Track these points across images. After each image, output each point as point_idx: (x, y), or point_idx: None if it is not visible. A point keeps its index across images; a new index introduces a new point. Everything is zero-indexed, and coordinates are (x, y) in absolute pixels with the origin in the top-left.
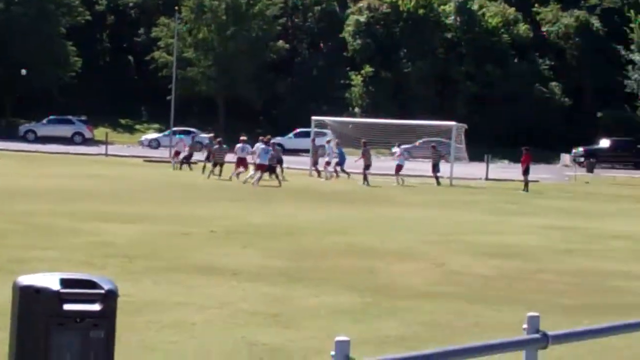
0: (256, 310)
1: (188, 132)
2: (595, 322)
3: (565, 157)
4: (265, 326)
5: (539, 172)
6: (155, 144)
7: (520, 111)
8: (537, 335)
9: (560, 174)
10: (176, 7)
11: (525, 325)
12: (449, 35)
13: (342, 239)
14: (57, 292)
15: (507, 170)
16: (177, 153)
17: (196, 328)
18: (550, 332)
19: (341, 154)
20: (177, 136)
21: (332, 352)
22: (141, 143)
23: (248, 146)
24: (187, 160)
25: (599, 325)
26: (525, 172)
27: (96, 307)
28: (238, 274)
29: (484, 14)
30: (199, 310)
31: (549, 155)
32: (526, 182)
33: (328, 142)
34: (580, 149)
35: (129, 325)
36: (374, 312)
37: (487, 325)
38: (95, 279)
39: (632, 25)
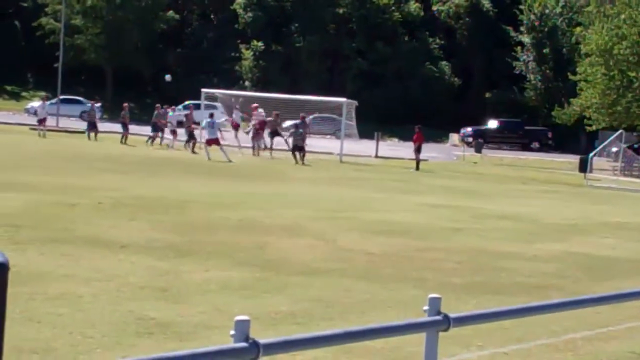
0: (144, 284)
1: (76, 101)
2: (483, 302)
3: (454, 137)
4: (154, 300)
5: (428, 151)
6: (33, 112)
7: (410, 89)
8: (438, 317)
9: (449, 153)
10: None
11: (426, 307)
12: (341, 11)
13: (231, 213)
14: None
15: (396, 148)
16: (43, 120)
17: (83, 301)
18: (452, 315)
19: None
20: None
21: (232, 332)
22: (27, 111)
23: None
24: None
25: (503, 307)
26: (417, 150)
27: None
28: (126, 246)
29: None
30: (86, 283)
31: (437, 134)
32: (417, 161)
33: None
34: (469, 129)
35: (13, 297)
36: (264, 287)
37: (377, 302)
38: None
39: (521, 7)
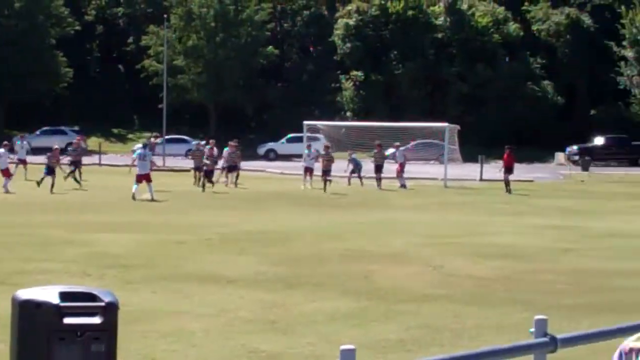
0: (254, 317)
1: (181, 140)
2: (597, 322)
3: (560, 156)
4: (264, 333)
5: (534, 171)
6: None
7: (513, 110)
8: (545, 339)
9: (555, 172)
10: (165, 15)
11: (532, 329)
12: (439, 36)
13: (337, 244)
14: (57, 306)
15: (502, 171)
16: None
17: (195, 336)
18: (559, 336)
19: (356, 161)
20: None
21: None
22: (134, 152)
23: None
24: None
25: (608, 327)
26: (508, 171)
27: (97, 320)
28: (234, 281)
29: (473, 14)
30: (197, 319)
31: (543, 155)
32: (507, 182)
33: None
34: (575, 147)
35: (127, 335)
36: (372, 316)
37: (487, 327)
38: (95, 292)
39: (623, 21)
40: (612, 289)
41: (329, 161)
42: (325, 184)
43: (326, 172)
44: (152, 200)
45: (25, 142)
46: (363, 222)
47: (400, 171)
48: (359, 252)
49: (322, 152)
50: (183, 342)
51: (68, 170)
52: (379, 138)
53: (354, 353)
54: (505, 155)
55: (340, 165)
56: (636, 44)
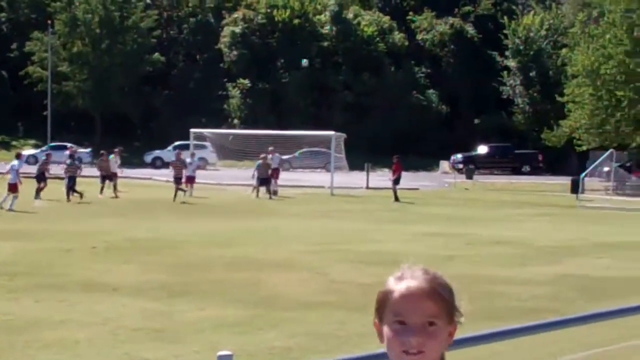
0: (139, 325)
1: (66, 147)
2: (480, 328)
3: (445, 164)
4: (149, 342)
5: (419, 179)
6: (33, 160)
7: (398, 119)
8: None
9: (440, 181)
10: (49, 21)
11: None
12: (325, 45)
13: (225, 251)
14: None
15: (387, 179)
16: None
17: (79, 346)
18: None
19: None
20: None
21: None
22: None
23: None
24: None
25: (486, 331)
26: (396, 181)
27: None
28: (119, 289)
29: (359, 23)
30: (81, 328)
31: (428, 163)
32: (395, 192)
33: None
34: (459, 155)
35: (9, 345)
36: (259, 323)
37: (372, 334)
38: None
39: (506, 31)
40: (493, 295)
41: (179, 168)
42: (176, 193)
43: (178, 179)
44: (10, 209)
45: None
46: (249, 229)
47: (275, 177)
48: (246, 260)
49: (174, 159)
50: (67, 351)
51: None
52: (266, 146)
53: (231, 359)
54: (394, 165)
55: (236, 174)
56: (518, 54)
